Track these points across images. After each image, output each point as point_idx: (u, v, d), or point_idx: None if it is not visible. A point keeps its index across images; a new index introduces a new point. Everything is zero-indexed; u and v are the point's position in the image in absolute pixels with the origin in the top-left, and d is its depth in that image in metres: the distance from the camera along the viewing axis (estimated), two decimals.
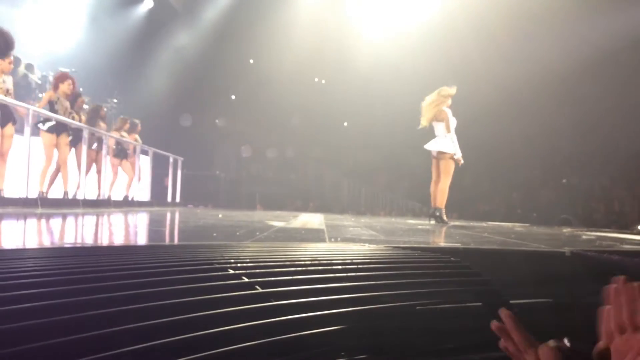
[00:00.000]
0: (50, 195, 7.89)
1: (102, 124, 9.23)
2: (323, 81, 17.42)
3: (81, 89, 12.34)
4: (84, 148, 8.37)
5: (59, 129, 7.64)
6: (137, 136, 10.84)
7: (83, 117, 8.60)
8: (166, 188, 12.43)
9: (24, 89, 9.55)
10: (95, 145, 8.95)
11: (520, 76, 13.54)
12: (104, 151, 9.09)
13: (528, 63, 13.54)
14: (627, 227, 10.13)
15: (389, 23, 15.20)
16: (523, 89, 14.08)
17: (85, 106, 9.50)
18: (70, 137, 8.08)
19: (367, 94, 15.34)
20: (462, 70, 12.69)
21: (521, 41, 13.40)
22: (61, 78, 7.91)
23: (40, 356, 0.73)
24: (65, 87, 7.78)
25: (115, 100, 13.73)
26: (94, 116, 9.01)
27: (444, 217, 6.94)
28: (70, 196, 8.11)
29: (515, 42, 13.38)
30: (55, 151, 7.67)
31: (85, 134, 8.45)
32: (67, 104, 7.86)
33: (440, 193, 7.00)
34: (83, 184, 8.43)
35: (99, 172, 9.20)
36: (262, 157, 18.12)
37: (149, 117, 12.87)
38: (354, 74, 15.35)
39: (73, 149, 8.26)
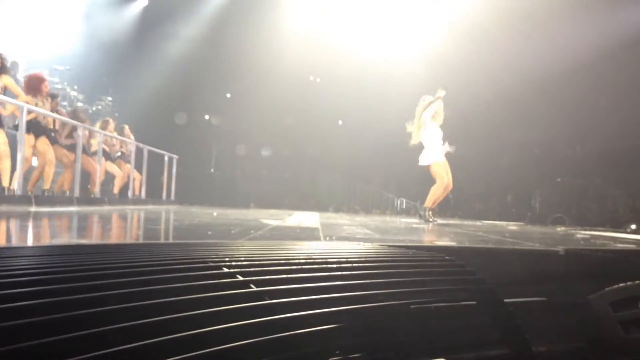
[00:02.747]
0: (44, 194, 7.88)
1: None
2: (318, 79, 17.39)
3: (76, 87, 12.32)
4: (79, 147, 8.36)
5: (38, 130, 7.57)
6: (131, 137, 10.78)
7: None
8: (161, 186, 12.40)
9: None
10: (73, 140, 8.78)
11: (516, 76, 13.56)
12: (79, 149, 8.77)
13: (523, 64, 13.56)
14: (621, 226, 10.18)
15: (385, 22, 15.20)
16: (518, 90, 14.10)
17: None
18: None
19: (362, 93, 15.35)
20: (458, 71, 12.70)
21: (517, 42, 13.42)
22: (40, 81, 7.80)
23: (33, 355, 0.73)
24: (43, 89, 7.73)
25: (110, 99, 13.69)
26: (74, 118, 8.93)
27: (426, 215, 7.11)
28: (51, 194, 8.07)
29: (510, 43, 13.40)
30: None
31: (80, 132, 8.44)
32: (48, 105, 7.82)
33: (430, 192, 7.19)
34: (74, 182, 8.41)
35: (92, 172, 9.17)
36: (257, 155, 18.10)
37: (143, 115, 12.84)
38: (349, 72, 15.34)
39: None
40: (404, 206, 17.09)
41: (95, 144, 9.42)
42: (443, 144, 7.15)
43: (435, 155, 7.14)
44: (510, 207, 15.83)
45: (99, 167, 9.21)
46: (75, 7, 14.03)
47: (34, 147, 7.59)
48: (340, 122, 17.79)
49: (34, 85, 7.63)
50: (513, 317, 1.28)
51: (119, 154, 10.37)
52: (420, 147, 7.31)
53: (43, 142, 7.68)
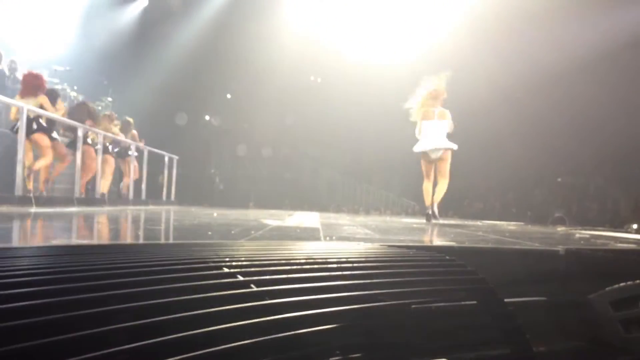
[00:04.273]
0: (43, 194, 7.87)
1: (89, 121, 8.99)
2: (319, 80, 17.38)
3: (75, 87, 12.31)
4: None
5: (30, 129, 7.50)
6: (134, 132, 10.73)
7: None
8: (161, 186, 12.40)
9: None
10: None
11: (516, 75, 13.56)
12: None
13: (523, 62, 13.56)
14: (621, 226, 10.17)
15: (386, 22, 15.20)
16: (518, 88, 14.10)
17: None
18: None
19: (362, 93, 15.34)
20: (458, 69, 12.68)
21: (516, 40, 13.42)
22: (33, 78, 7.73)
23: (33, 355, 0.73)
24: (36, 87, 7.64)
25: (110, 99, 13.68)
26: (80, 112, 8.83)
27: (437, 213, 6.93)
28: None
29: (510, 41, 13.40)
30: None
31: (80, 133, 8.44)
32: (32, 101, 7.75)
33: (440, 192, 6.98)
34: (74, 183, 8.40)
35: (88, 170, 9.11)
36: (257, 155, 18.10)
37: (144, 116, 12.84)
38: (349, 72, 15.34)
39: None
40: (404, 206, 17.09)
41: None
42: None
43: (453, 144, 6.96)
44: (511, 207, 15.84)
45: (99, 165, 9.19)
46: (75, 7, 14.03)
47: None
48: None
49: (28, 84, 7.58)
50: (513, 317, 1.28)
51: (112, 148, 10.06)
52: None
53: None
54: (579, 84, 13.17)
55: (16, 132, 7.06)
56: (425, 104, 7.06)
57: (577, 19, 12.79)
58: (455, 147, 6.95)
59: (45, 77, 8.60)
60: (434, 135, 6.97)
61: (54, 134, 7.98)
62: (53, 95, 8.05)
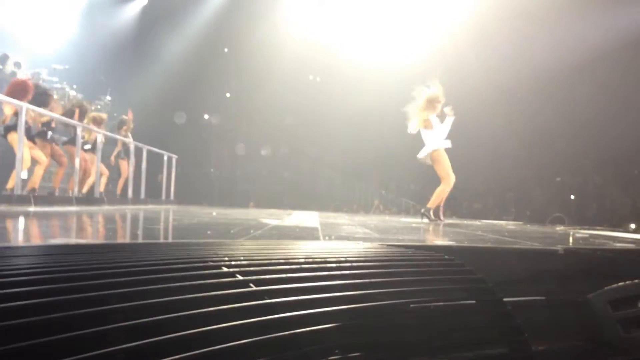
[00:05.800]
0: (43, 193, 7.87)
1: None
2: (318, 79, 17.36)
3: (75, 86, 12.30)
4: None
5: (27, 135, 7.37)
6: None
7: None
8: (160, 186, 12.38)
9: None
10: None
11: (515, 75, 13.56)
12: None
13: (522, 62, 13.56)
14: (620, 225, 10.18)
15: (383, 21, 15.19)
16: (517, 88, 14.11)
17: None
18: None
19: (361, 92, 15.33)
20: (457, 69, 12.69)
21: (515, 40, 13.42)
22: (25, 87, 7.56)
23: (33, 354, 0.73)
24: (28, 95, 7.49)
25: (109, 98, 13.67)
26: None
27: (430, 215, 6.81)
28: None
29: (509, 41, 13.40)
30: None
31: (79, 132, 8.42)
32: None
33: (434, 194, 6.92)
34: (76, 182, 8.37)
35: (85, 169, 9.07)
36: (257, 155, 18.08)
37: (143, 115, 12.84)
38: (348, 71, 15.33)
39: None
40: (403, 206, 17.09)
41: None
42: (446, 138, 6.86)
43: (438, 143, 6.82)
44: (510, 207, 15.84)
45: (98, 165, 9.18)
46: (75, 6, 14.02)
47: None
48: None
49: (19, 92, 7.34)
50: (512, 316, 1.28)
51: (89, 146, 9.66)
52: (420, 142, 7.06)
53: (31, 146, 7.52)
54: (578, 84, 13.18)
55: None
56: (423, 112, 6.93)
57: (576, 19, 12.79)
58: (428, 151, 6.84)
59: (45, 75, 8.55)
60: (426, 143, 6.94)
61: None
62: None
